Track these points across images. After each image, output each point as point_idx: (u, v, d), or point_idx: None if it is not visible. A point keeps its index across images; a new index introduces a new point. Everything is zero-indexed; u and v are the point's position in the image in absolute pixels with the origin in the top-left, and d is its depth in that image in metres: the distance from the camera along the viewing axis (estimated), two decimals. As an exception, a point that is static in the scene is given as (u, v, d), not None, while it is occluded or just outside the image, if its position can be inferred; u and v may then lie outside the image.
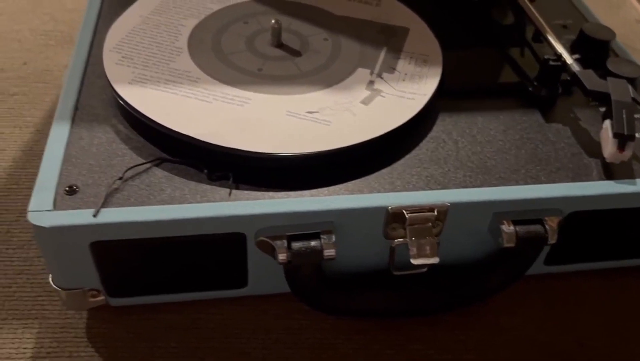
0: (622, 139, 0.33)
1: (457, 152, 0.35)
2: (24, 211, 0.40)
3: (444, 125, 0.37)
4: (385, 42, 0.41)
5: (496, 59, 0.42)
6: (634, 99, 0.35)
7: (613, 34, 0.42)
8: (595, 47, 0.41)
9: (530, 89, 0.39)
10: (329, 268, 0.34)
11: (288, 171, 0.32)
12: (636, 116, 0.38)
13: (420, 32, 0.42)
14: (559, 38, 0.44)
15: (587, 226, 0.35)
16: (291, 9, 0.43)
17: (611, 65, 0.39)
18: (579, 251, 0.37)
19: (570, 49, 0.42)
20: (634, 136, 0.33)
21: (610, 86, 0.36)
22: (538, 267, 0.37)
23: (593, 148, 0.36)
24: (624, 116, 0.34)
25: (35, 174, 0.42)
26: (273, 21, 0.39)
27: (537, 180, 0.34)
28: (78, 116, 0.35)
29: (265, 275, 0.34)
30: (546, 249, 0.36)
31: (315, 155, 0.32)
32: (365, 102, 0.36)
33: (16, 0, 0.56)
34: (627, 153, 0.34)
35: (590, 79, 0.36)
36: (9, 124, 0.45)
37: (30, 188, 0.41)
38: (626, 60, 0.40)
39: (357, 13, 0.43)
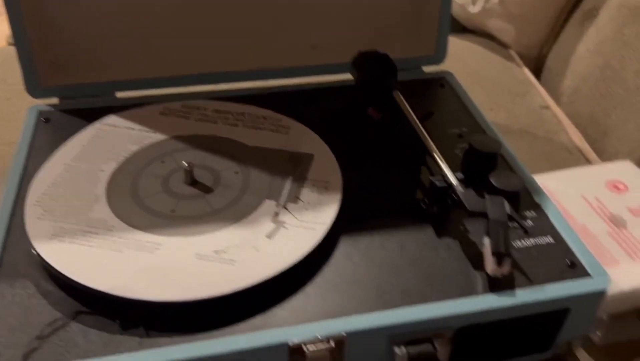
0: (500, 256, 0.37)
1: (354, 277, 0.38)
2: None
3: (344, 249, 0.40)
4: (291, 171, 0.44)
5: (395, 178, 0.46)
6: (510, 216, 0.39)
7: (499, 145, 0.46)
8: (482, 160, 0.46)
9: (422, 205, 0.43)
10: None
11: (195, 314, 0.35)
12: (514, 225, 0.42)
13: (323, 158, 0.46)
14: (454, 148, 0.49)
15: (477, 335, 0.38)
16: (206, 143, 0.47)
17: (494, 179, 0.43)
18: (474, 356, 0.40)
19: (462, 160, 0.47)
20: (510, 252, 0.37)
21: (488, 205, 0.39)
22: (441, 374, 0.40)
23: (480, 261, 0.39)
24: (500, 234, 0.38)
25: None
26: (185, 164, 0.42)
27: (427, 299, 0.37)
28: (2, 272, 0.37)
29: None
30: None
31: (219, 298, 0.35)
32: (270, 235, 0.39)
33: (-45, 137, 0.59)
34: (506, 268, 0.37)
35: (470, 200, 0.40)
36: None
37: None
38: (508, 173, 0.44)
39: (267, 142, 0.47)
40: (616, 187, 0.52)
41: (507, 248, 0.37)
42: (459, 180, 0.42)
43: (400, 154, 0.48)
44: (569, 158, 0.62)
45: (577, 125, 0.71)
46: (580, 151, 0.63)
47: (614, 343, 0.44)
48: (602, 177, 0.53)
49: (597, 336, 0.44)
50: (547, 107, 0.70)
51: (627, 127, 0.65)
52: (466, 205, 0.40)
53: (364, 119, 0.51)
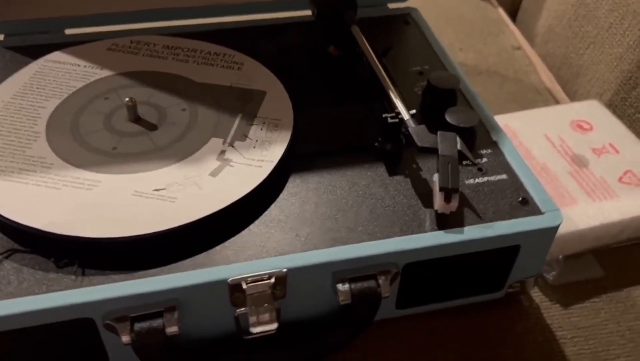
0: (447, 192, 0.36)
1: (301, 215, 0.37)
2: None
3: (293, 188, 0.39)
4: (241, 109, 0.43)
5: (351, 116, 0.44)
6: (460, 152, 0.38)
7: (457, 82, 0.45)
8: (440, 96, 0.44)
9: (376, 144, 0.41)
10: (185, 337, 0.36)
11: (132, 252, 0.34)
12: (467, 163, 0.41)
13: (276, 95, 0.44)
14: (413, 86, 0.47)
15: (426, 273, 0.38)
16: (153, 79, 0.45)
17: (449, 115, 0.42)
18: (426, 294, 0.40)
19: (421, 98, 0.45)
20: (458, 188, 0.36)
21: (439, 140, 0.38)
22: (390, 311, 0.40)
23: (429, 199, 0.38)
24: (449, 169, 0.37)
25: None
26: (127, 99, 0.41)
27: (373, 236, 0.36)
28: None
29: (123, 351, 0.35)
30: (395, 293, 0.39)
31: (157, 235, 0.34)
32: (214, 174, 0.38)
33: None
34: (454, 204, 0.37)
35: (420, 135, 0.39)
36: None
37: None
38: (465, 108, 0.43)
39: (218, 79, 0.45)
40: (581, 127, 0.51)
41: (455, 183, 0.36)
42: (412, 116, 0.41)
43: (357, 92, 0.46)
44: (538, 99, 0.60)
45: (550, 66, 0.69)
46: (549, 92, 0.62)
47: (569, 283, 0.44)
48: (567, 116, 0.52)
49: (552, 276, 0.43)
50: (519, 48, 0.68)
51: (598, 67, 0.63)
52: (416, 140, 0.39)
53: (322, 56, 0.50)
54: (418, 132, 0.39)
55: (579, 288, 0.43)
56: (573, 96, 0.66)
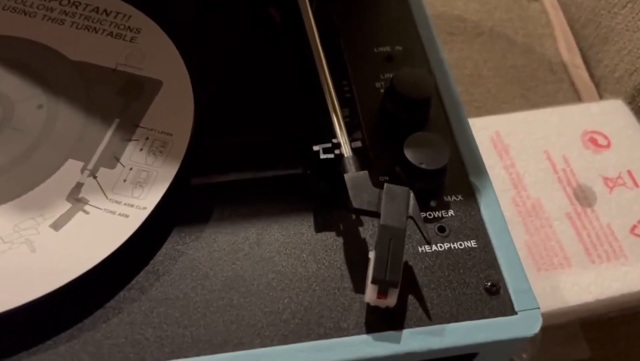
0: (383, 285, 0.25)
1: (177, 298, 0.26)
2: None
3: (176, 247, 0.28)
4: (121, 111, 0.30)
5: (276, 132, 0.32)
6: (412, 218, 0.27)
7: (431, 87, 0.32)
8: (406, 107, 0.32)
9: (306, 179, 0.30)
10: None
11: None
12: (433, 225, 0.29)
13: (176, 89, 0.31)
14: (375, 79, 0.34)
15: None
16: (9, 51, 0.32)
17: (409, 149, 0.30)
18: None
19: (381, 102, 0.33)
20: (398, 281, 0.25)
21: (383, 199, 0.27)
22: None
23: (365, 275, 0.28)
24: (389, 250, 0.25)
25: None
26: (-52, 95, 0.29)
27: (264, 342, 0.26)
28: None
29: None
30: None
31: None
32: (57, 225, 0.27)
33: None
34: (391, 300, 0.26)
35: (358, 189, 0.27)
36: None
37: None
38: (433, 139, 0.30)
39: (100, 56, 0.32)
40: (595, 142, 0.39)
41: (396, 274, 0.25)
42: (355, 150, 0.29)
43: (292, 90, 0.33)
44: (548, 80, 0.47)
45: (574, 21, 0.54)
46: (565, 68, 0.48)
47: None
48: (580, 124, 0.40)
49: (523, 359, 0.33)
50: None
51: (633, 36, 0.49)
52: (351, 198, 0.27)
53: (259, 23, 0.36)
54: (355, 183, 0.27)
55: (555, 374, 0.34)
56: (595, 68, 0.52)
